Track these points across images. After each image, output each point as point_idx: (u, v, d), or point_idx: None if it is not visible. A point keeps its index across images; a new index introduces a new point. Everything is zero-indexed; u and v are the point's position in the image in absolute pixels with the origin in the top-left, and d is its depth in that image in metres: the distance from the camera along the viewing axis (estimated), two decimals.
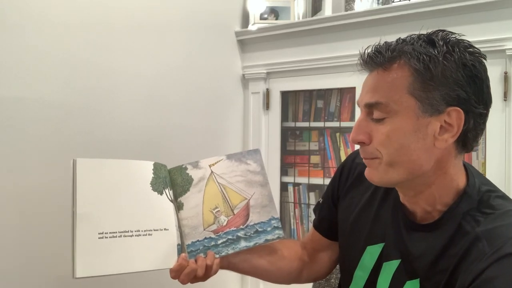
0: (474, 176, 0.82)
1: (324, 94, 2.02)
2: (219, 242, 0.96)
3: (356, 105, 1.58)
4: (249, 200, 1.00)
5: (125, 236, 0.88)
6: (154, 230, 0.91)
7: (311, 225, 1.27)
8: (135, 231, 0.89)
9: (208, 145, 1.90)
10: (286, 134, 2.12)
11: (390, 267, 0.85)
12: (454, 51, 0.75)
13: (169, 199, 0.96)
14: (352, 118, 1.91)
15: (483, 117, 0.77)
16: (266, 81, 2.06)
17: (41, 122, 1.32)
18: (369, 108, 0.79)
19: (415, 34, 0.80)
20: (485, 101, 0.77)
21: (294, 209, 2.09)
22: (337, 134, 1.99)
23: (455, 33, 0.78)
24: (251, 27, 2.04)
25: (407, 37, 0.80)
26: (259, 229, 0.99)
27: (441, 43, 0.76)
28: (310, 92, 2.06)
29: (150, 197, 0.93)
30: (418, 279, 0.80)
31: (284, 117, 2.09)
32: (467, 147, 0.79)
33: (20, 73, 1.28)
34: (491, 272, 0.68)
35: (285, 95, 2.08)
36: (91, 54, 1.45)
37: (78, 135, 1.41)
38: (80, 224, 0.85)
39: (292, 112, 2.12)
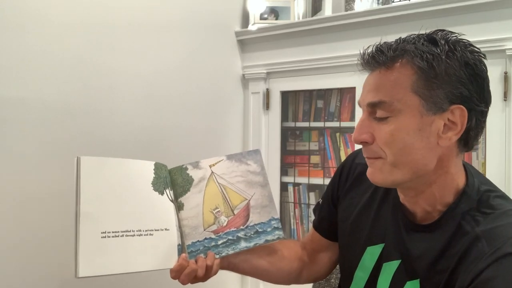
0: (473, 175, 0.82)
1: (324, 94, 2.02)
2: (219, 242, 0.96)
3: (357, 105, 1.58)
4: (249, 200, 1.00)
5: (127, 235, 0.87)
6: (155, 230, 0.91)
7: (311, 225, 1.26)
8: (137, 231, 0.89)
9: (208, 145, 1.90)
10: (286, 134, 2.12)
11: (390, 268, 0.85)
12: (456, 49, 0.75)
13: (169, 199, 0.96)
14: (352, 118, 1.91)
15: (484, 115, 0.78)
16: (266, 81, 2.06)
17: (41, 122, 1.32)
18: (372, 107, 0.78)
19: (414, 34, 0.80)
20: (486, 99, 0.78)
21: (294, 209, 2.09)
22: (337, 134, 1.99)
23: (455, 33, 0.79)
24: (251, 27, 2.04)
25: (407, 36, 0.79)
26: (259, 230, 0.99)
27: (442, 42, 0.76)
28: (310, 92, 2.06)
29: (151, 197, 0.92)
30: (418, 279, 0.80)
31: (284, 117, 2.09)
32: (468, 146, 0.79)
33: (20, 73, 1.28)
34: (491, 272, 0.68)
35: (285, 95, 2.08)
36: (91, 54, 1.46)
37: (78, 135, 1.41)
38: (83, 222, 0.84)
39: (292, 112, 2.12)
